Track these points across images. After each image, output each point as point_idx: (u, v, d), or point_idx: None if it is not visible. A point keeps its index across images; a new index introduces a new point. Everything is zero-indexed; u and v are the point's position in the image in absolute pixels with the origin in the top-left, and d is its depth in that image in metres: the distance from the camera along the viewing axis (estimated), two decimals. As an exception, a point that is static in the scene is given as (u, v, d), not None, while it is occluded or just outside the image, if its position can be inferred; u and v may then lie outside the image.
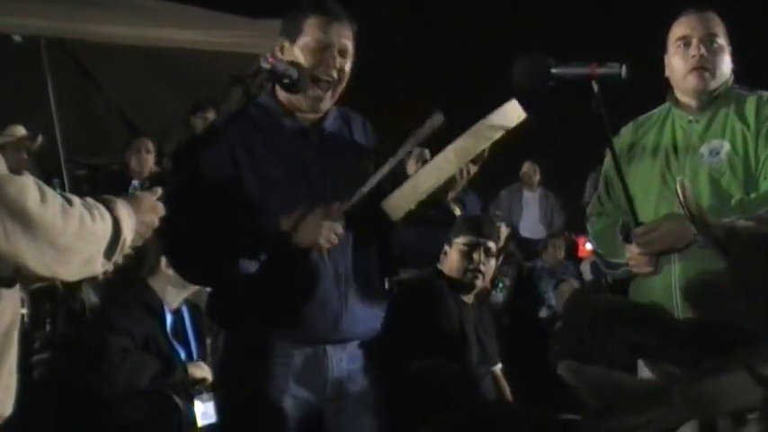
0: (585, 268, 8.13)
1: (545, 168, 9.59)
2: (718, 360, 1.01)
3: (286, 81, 2.46)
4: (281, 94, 2.59)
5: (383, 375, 2.71)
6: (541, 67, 2.70)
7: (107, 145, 7.01)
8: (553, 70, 2.69)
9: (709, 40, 2.94)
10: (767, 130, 2.88)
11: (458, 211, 2.68)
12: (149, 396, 3.66)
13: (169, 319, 3.84)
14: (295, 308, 2.50)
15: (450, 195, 2.60)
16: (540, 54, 2.71)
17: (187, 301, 3.91)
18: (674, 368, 1.07)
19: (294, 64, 2.49)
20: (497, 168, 2.92)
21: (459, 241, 4.08)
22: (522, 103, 2.46)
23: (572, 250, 8.75)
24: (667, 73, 3.05)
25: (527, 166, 9.49)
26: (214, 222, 2.45)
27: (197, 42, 6.19)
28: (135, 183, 6.09)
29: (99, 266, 1.90)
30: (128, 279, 3.78)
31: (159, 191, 2.13)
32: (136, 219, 1.99)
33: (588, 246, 7.36)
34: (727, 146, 2.90)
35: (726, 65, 2.98)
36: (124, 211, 1.95)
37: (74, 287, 3.91)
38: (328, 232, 2.41)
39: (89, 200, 1.89)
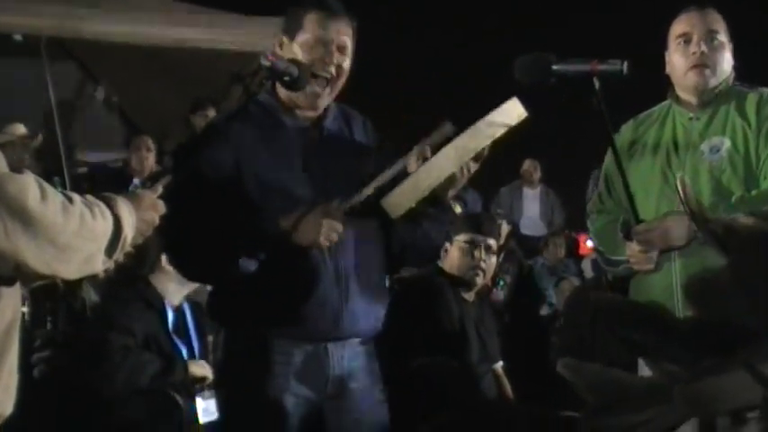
0: (586, 266, 8.14)
1: (545, 166, 9.59)
2: (718, 359, 1.01)
3: (286, 79, 2.46)
4: (282, 92, 2.59)
5: (384, 373, 2.71)
6: (542, 63, 2.70)
7: (107, 143, 7.01)
8: (554, 67, 2.69)
9: (709, 37, 2.94)
10: (768, 127, 2.88)
11: (458, 209, 2.68)
12: (150, 394, 3.66)
13: (171, 316, 3.84)
14: (295, 306, 2.50)
15: (451, 193, 2.60)
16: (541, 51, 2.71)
17: (188, 299, 3.91)
18: (673, 367, 1.07)
19: (294, 61, 2.49)
20: (498, 166, 2.92)
21: (460, 239, 4.08)
22: (522, 100, 2.46)
23: (573, 248, 8.76)
24: (668, 70, 3.05)
25: (527, 164, 9.49)
26: (214, 221, 2.45)
27: (197, 41, 6.19)
28: (135, 181, 6.09)
29: (100, 264, 1.90)
30: (129, 277, 3.78)
31: (160, 188, 2.13)
32: (136, 216, 1.99)
33: (589, 243, 7.36)
34: (727, 143, 2.90)
35: (726, 62, 2.98)
36: (125, 208, 1.94)
37: (74, 285, 3.92)
38: (328, 231, 2.41)
39: (89, 198, 1.89)
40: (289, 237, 2.42)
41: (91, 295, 4.20)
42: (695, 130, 2.96)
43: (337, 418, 2.59)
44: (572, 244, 8.78)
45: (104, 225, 1.88)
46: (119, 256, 1.94)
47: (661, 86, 3.08)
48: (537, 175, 9.53)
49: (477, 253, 4.08)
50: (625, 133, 3.11)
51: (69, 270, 1.85)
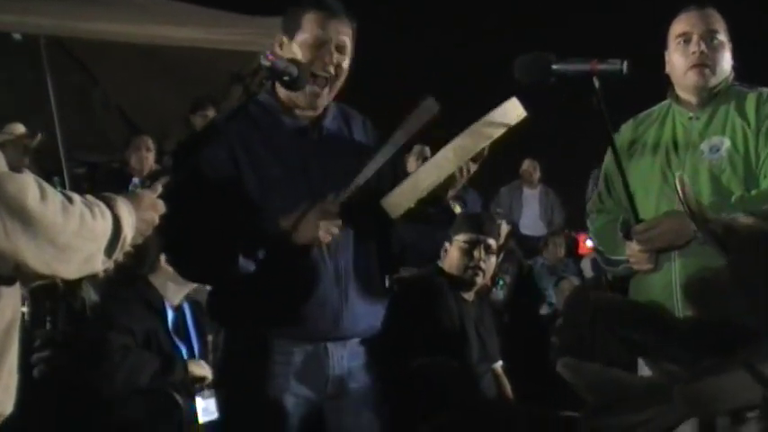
0: (586, 265, 8.14)
1: (545, 165, 9.59)
2: (718, 358, 1.01)
3: (286, 78, 2.46)
4: (281, 92, 2.59)
5: (384, 373, 2.71)
6: (542, 63, 2.70)
7: (107, 143, 7.01)
8: (554, 66, 2.69)
9: (709, 36, 2.94)
10: (767, 127, 2.88)
11: (458, 209, 2.68)
12: (149, 394, 3.66)
13: (170, 315, 3.84)
14: (295, 306, 2.50)
15: (451, 193, 2.60)
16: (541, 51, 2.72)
17: (188, 298, 3.91)
18: (673, 366, 1.07)
19: (294, 61, 2.48)
20: (497, 166, 2.92)
21: (460, 238, 4.08)
22: (522, 99, 2.46)
23: (572, 247, 8.76)
24: (668, 70, 3.05)
25: (527, 164, 9.49)
26: (213, 221, 2.45)
27: (197, 40, 6.18)
28: (135, 180, 6.09)
29: (99, 264, 1.90)
30: (128, 276, 3.78)
31: (159, 188, 2.13)
32: (136, 216, 1.98)
33: (588, 243, 7.36)
34: (727, 143, 2.90)
35: (726, 61, 2.98)
36: (124, 208, 1.94)
37: (74, 285, 3.92)
38: (327, 226, 2.41)
39: (89, 197, 1.89)
40: (288, 236, 2.42)
41: (91, 295, 4.20)
42: (695, 129, 2.96)
43: (337, 418, 2.59)
44: (572, 244, 8.78)
45: (104, 225, 1.88)
46: (118, 255, 1.94)
47: (661, 86, 3.09)
48: (536, 174, 9.53)
49: (476, 253, 4.08)
50: (625, 133, 3.11)
51: (69, 270, 1.85)
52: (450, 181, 2.49)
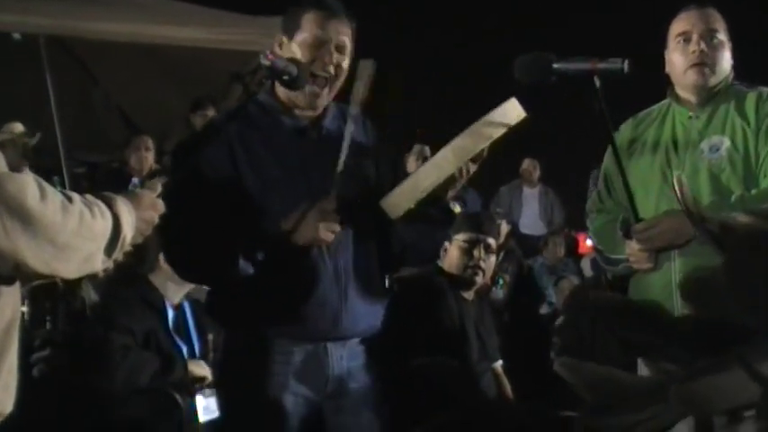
0: (586, 265, 8.14)
1: (545, 165, 9.59)
2: (715, 357, 1.01)
3: (286, 78, 2.46)
4: (281, 92, 2.59)
5: (383, 372, 2.71)
6: (543, 62, 2.70)
7: (107, 142, 7.01)
8: (555, 65, 2.69)
9: (709, 35, 2.94)
10: (767, 126, 2.88)
11: (457, 209, 2.68)
12: (150, 393, 3.66)
13: (171, 314, 3.84)
14: (295, 306, 2.50)
15: (450, 193, 2.60)
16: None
17: (189, 297, 3.91)
18: (671, 366, 1.07)
19: (293, 60, 2.48)
20: (497, 165, 2.92)
21: (460, 238, 4.08)
22: (521, 99, 2.46)
23: (572, 247, 8.76)
24: (667, 69, 3.05)
25: (527, 163, 9.49)
26: (212, 222, 2.45)
27: (196, 40, 6.18)
28: (135, 180, 6.09)
29: (99, 264, 1.90)
30: (128, 276, 3.78)
31: (159, 187, 2.13)
32: (136, 216, 1.98)
33: (588, 242, 7.36)
34: (727, 142, 2.90)
35: (726, 61, 2.98)
36: (124, 208, 1.94)
37: (74, 285, 3.91)
38: (327, 226, 2.41)
39: (89, 197, 1.89)
40: (288, 238, 2.42)
41: (90, 294, 4.19)
42: (695, 128, 2.96)
43: (337, 418, 2.59)
44: (571, 243, 8.78)
45: (104, 224, 1.88)
46: (118, 255, 1.94)
47: (660, 85, 3.09)
48: (536, 174, 9.53)
49: (476, 252, 4.08)
50: (624, 132, 3.11)
51: (69, 269, 1.85)
52: (449, 181, 2.49)
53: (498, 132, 2.43)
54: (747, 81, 3.01)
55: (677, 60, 2.98)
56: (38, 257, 1.75)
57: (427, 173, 2.45)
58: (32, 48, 5.91)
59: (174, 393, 3.68)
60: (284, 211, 2.47)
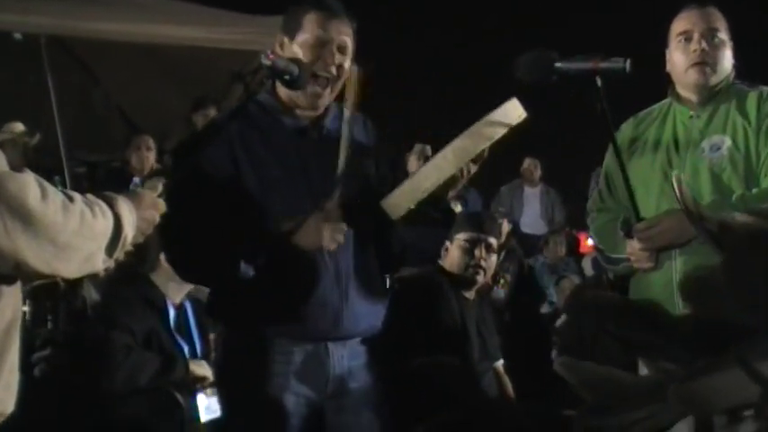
0: (587, 264, 8.14)
1: (546, 164, 9.60)
2: (713, 357, 1.01)
3: (286, 77, 2.45)
4: (282, 91, 2.59)
5: (384, 372, 2.71)
6: (545, 60, 2.70)
7: (107, 142, 7.01)
8: (557, 64, 2.69)
9: (710, 34, 2.94)
10: (768, 125, 2.88)
11: (458, 208, 2.68)
12: (151, 393, 3.66)
13: (172, 314, 3.84)
14: (296, 306, 2.50)
15: (451, 193, 2.60)
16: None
17: (190, 296, 3.91)
18: (670, 365, 1.07)
19: (294, 60, 2.48)
20: (498, 164, 2.92)
21: (460, 237, 4.08)
22: (522, 98, 2.46)
23: (573, 246, 8.76)
24: (668, 68, 3.05)
25: (528, 162, 9.49)
26: (213, 222, 2.45)
27: (197, 39, 6.18)
28: (136, 180, 6.09)
29: (100, 263, 1.90)
30: (129, 275, 3.78)
31: (160, 187, 2.13)
32: (137, 215, 1.99)
33: (589, 241, 7.36)
34: (728, 141, 2.90)
35: (727, 60, 2.98)
36: (125, 207, 1.95)
37: (75, 284, 3.92)
38: (331, 233, 2.41)
39: (90, 197, 1.89)
40: (292, 245, 2.42)
41: (91, 294, 4.20)
42: (695, 128, 2.96)
43: (338, 418, 2.59)
44: (572, 242, 8.78)
45: (105, 224, 1.88)
46: (119, 254, 1.94)
47: (661, 85, 3.08)
48: (537, 173, 9.54)
49: (477, 251, 4.08)
50: (625, 131, 3.11)
51: (70, 269, 1.85)
52: (450, 182, 2.49)
53: (499, 133, 2.43)
54: (748, 81, 3.00)
55: (678, 59, 2.98)
56: (39, 257, 1.76)
57: (428, 174, 2.45)
58: (33, 48, 5.90)
59: (176, 393, 3.69)
60: (285, 210, 2.47)
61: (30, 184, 1.74)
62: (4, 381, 1.84)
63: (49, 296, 3.99)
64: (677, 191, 1.95)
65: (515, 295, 6.69)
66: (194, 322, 3.93)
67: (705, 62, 2.93)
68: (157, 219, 2.09)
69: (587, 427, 1.07)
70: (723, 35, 2.96)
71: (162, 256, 3.66)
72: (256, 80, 2.55)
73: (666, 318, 1.08)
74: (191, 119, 6.32)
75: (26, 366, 2.64)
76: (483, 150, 2.46)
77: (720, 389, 1.02)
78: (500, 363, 4.31)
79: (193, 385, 3.74)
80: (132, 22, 6.04)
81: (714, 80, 2.95)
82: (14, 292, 1.85)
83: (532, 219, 9.44)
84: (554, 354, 5.97)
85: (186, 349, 3.85)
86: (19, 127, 5.79)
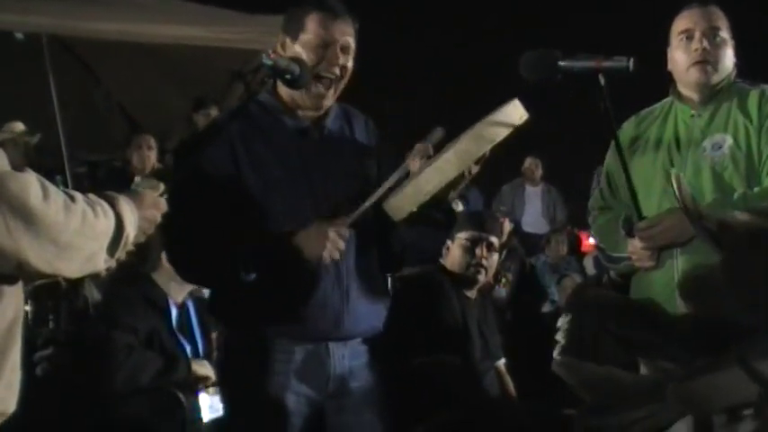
0: (588, 263, 8.14)
1: (547, 163, 9.60)
2: (713, 356, 1.01)
3: (288, 77, 2.45)
4: (283, 91, 2.58)
5: (385, 371, 2.71)
6: (549, 59, 2.70)
7: (108, 141, 7.01)
8: (560, 63, 2.69)
9: (711, 33, 2.94)
10: (770, 125, 2.88)
11: (460, 207, 2.68)
12: (152, 393, 3.66)
13: (174, 313, 3.84)
14: (296, 307, 2.50)
15: (453, 193, 2.60)
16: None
17: (192, 295, 3.91)
18: (670, 365, 1.07)
19: (296, 59, 2.48)
20: (499, 164, 2.92)
21: (462, 236, 4.08)
22: (523, 98, 2.45)
23: (574, 245, 8.76)
24: (670, 67, 3.04)
25: (529, 161, 9.49)
26: (214, 223, 2.45)
27: (198, 38, 6.18)
28: (137, 179, 6.08)
29: (101, 263, 1.90)
30: (131, 275, 3.78)
31: (161, 187, 2.13)
32: (138, 215, 1.99)
33: (591, 240, 7.36)
34: (729, 140, 2.90)
35: (728, 58, 2.98)
36: (127, 207, 1.95)
37: (77, 284, 3.92)
38: (333, 246, 2.41)
39: (91, 196, 1.89)
40: (293, 254, 2.42)
41: (93, 293, 4.20)
42: (697, 126, 2.96)
43: (338, 418, 2.59)
44: (574, 241, 8.78)
45: (106, 223, 1.88)
46: (121, 254, 1.94)
47: (663, 83, 3.08)
48: (538, 172, 9.54)
49: (478, 250, 4.08)
50: (627, 130, 3.10)
51: (71, 269, 1.85)
52: (452, 184, 2.49)
53: (501, 134, 2.42)
54: (749, 79, 3.00)
55: (680, 58, 2.98)
56: (40, 257, 1.76)
57: (429, 176, 2.44)
58: (35, 47, 5.91)
59: (178, 392, 3.69)
60: (286, 211, 2.46)
61: (31, 184, 1.74)
62: (5, 380, 1.84)
63: (50, 296, 3.99)
64: (677, 190, 1.95)
65: (517, 294, 6.69)
66: (197, 321, 3.93)
67: (706, 61, 2.93)
68: (159, 218, 2.09)
69: (587, 426, 1.07)
70: (724, 34, 2.96)
71: (163, 256, 3.67)
72: (257, 80, 2.54)
73: (666, 317, 1.08)
74: (192, 118, 6.32)
75: (28, 366, 2.63)
76: (484, 152, 2.46)
77: (720, 388, 1.02)
78: (501, 362, 4.31)
79: (196, 385, 3.75)
80: (133, 21, 6.04)
81: (715, 79, 2.95)
82: (16, 292, 1.85)
83: (534, 218, 9.44)
84: (554, 353, 5.97)
85: (188, 349, 3.85)
86: (19, 126, 5.79)
